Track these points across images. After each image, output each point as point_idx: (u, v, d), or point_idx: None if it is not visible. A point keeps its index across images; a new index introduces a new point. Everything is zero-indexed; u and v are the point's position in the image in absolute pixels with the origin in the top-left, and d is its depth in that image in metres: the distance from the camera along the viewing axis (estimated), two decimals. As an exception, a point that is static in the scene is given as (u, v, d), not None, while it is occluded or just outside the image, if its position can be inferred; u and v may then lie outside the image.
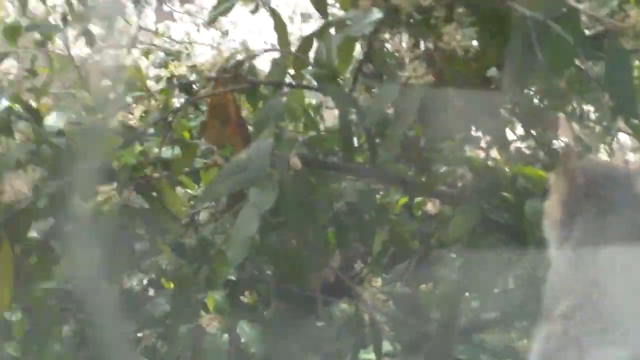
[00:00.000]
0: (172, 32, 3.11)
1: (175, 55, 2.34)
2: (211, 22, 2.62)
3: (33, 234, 1.71)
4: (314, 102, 2.19)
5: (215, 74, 1.85)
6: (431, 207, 1.91)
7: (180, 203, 1.80)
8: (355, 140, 1.93)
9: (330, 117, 2.09)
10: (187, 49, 2.69)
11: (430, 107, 1.62)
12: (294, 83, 1.87)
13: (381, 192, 1.98)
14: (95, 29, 2.84)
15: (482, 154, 1.86)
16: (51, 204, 1.65)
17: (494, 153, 1.87)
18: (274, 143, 1.61)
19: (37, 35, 2.49)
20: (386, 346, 1.80)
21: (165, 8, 3.14)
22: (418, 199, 1.96)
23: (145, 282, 1.87)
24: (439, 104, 1.65)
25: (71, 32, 2.72)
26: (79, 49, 2.79)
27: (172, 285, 1.82)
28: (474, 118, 1.74)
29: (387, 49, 1.84)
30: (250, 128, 1.79)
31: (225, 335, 1.63)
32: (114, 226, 1.71)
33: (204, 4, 3.26)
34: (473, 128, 1.78)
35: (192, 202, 1.93)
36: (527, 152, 2.13)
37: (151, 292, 1.87)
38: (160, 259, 1.83)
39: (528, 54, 1.56)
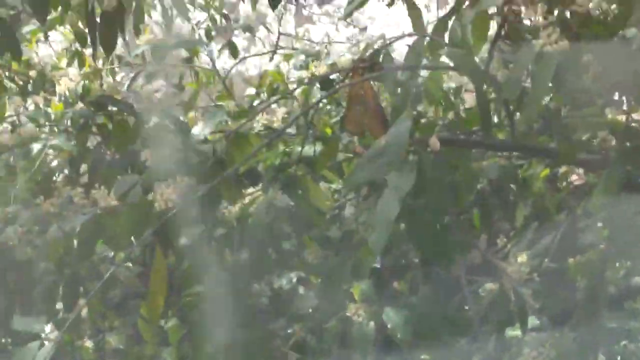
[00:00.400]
0: (312, 34, 3.15)
1: (315, 56, 2.39)
2: (347, 17, 2.65)
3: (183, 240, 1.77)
4: (453, 85, 2.18)
5: (352, 65, 1.88)
6: (576, 177, 1.87)
7: (325, 197, 1.83)
8: (495, 117, 1.92)
9: (471, 98, 2.08)
10: (326, 48, 2.73)
11: (567, 72, 1.59)
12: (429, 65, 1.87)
13: (524, 166, 1.96)
14: (238, 40, 2.92)
15: (624, 117, 1.81)
16: (200, 210, 1.70)
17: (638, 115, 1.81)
18: (412, 126, 1.61)
19: (183, 52, 2.59)
20: (532, 321, 1.76)
21: (304, 12, 3.18)
22: (562, 170, 1.92)
23: (294, 280, 1.90)
24: (576, 68, 1.62)
25: (215, 46, 2.81)
26: (223, 61, 2.88)
27: (319, 281, 1.85)
28: (614, 80, 1.69)
29: (522, 22, 1.82)
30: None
31: (372, 323, 1.64)
32: (262, 226, 1.75)
33: (341, 3, 3.30)
34: (613, 91, 1.73)
35: (336, 196, 1.95)
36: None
37: (300, 289, 1.90)
38: (308, 255, 1.86)
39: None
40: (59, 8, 2.28)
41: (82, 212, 1.74)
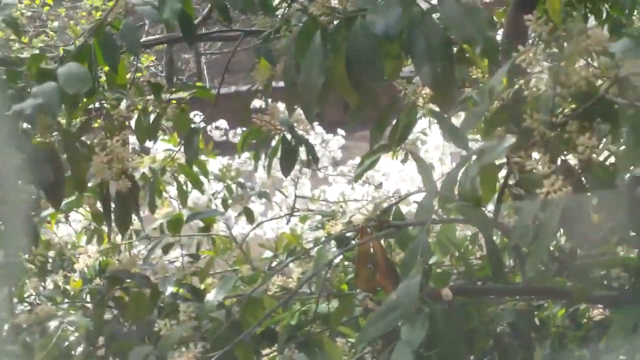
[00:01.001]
0: (328, 195, 3.18)
1: (331, 216, 2.40)
2: (357, 179, 2.67)
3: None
4: (469, 233, 2.19)
5: (360, 225, 1.89)
6: (597, 312, 1.85)
7: (340, 353, 1.82)
8: (512, 262, 1.92)
9: (488, 245, 2.08)
10: (342, 207, 2.75)
11: (574, 216, 1.59)
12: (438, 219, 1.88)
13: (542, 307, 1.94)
14: (255, 205, 2.95)
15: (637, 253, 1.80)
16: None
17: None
18: (423, 279, 1.60)
19: (200, 222, 2.61)
20: None
21: (320, 174, 3.22)
22: (582, 307, 1.90)
23: None
24: (583, 211, 1.62)
25: (232, 213, 2.85)
26: (241, 227, 2.91)
27: None
28: (623, 220, 1.69)
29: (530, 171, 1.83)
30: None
31: None
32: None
33: (356, 162, 3.33)
34: (625, 230, 1.72)
35: (353, 351, 1.94)
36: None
37: None
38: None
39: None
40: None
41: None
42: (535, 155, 1.71)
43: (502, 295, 1.86)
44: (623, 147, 1.66)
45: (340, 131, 3.25)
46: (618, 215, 1.67)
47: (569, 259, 1.84)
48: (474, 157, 1.80)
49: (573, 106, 1.64)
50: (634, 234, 1.75)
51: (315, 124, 3.05)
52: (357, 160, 3.34)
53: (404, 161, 2.83)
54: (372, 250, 1.78)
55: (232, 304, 1.87)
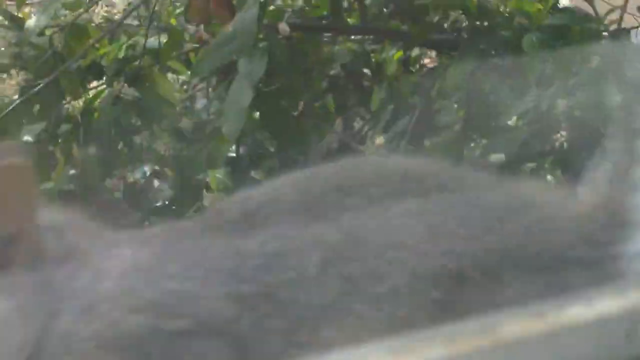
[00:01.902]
0: None
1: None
2: None
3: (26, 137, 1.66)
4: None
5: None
6: (429, 60, 1.85)
7: (172, 88, 1.75)
8: (345, 2, 1.88)
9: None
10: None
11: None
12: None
13: (376, 50, 1.92)
14: None
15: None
16: (41, 106, 1.60)
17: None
18: (260, 12, 1.54)
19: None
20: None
21: None
22: (414, 53, 1.89)
23: (148, 173, 1.82)
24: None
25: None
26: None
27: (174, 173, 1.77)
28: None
29: None
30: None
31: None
32: (108, 120, 1.67)
33: None
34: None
35: (185, 87, 1.88)
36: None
37: (155, 183, 1.81)
38: (160, 147, 1.78)
39: None
40: None
41: None
42: None
43: (339, 34, 1.82)
44: None
45: None
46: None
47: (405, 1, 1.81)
48: None
49: None
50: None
51: None
52: None
53: None
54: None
55: (55, 32, 1.75)
